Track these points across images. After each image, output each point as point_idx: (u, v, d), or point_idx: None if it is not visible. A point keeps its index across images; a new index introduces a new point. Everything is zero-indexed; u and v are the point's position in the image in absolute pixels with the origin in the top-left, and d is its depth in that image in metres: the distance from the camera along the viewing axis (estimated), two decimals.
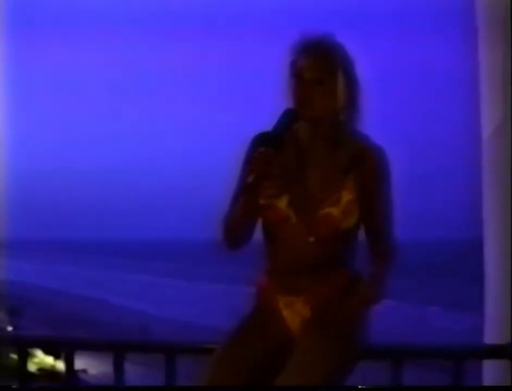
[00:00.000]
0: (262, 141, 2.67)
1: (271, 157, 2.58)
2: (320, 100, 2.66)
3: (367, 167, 2.73)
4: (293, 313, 2.76)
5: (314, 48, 2.68)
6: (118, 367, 3.15)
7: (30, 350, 3.61)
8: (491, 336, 3.44)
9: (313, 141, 2.77)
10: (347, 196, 2.72)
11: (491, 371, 3.33)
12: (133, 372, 3.34)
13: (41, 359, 23.98)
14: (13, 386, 3.30)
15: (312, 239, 2.71)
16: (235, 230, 2.75)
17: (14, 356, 3.34)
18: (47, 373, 23.52)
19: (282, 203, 2.73)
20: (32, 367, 21.64)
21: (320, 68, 2.66)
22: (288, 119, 2.67)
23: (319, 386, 2.52)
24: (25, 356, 3.29)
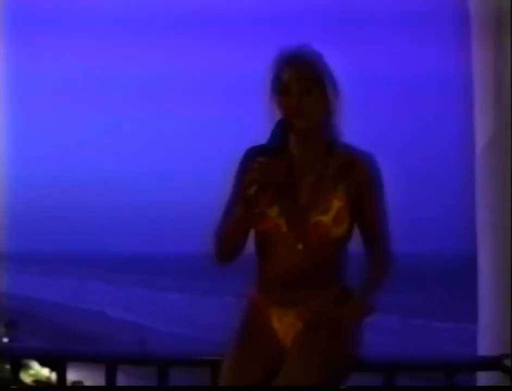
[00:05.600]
0: (258, 152, 2.67)
1: (271, 167, 2.59)
2: (311, 109, 2.68)
3: (357, 176, 2.73)
4: (285, 326, 2.75)
5: (297, 59, 2.71)
6: (110, 379, 3.15)
7: (26, 362, 3.62)
8: (485, 348, 3.43)
9: (303, 151, 2.77)
10: (337, 204, 2.72)
11: (484, 383, 3.33)
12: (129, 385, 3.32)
13: (37, 370, 23.97)
14: (12, 387, 3.29)
15: (300, 246, 2.71)
16: (230, 242, 2.74)
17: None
18: (43, 384, 23.46)
19: (273, 212, 2.73)
20: (28, 378, 21.62)
21: (307, 78, 2.68)
22: (282, 130, 2.68)
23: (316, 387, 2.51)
24: (18, 367, 3.28)
